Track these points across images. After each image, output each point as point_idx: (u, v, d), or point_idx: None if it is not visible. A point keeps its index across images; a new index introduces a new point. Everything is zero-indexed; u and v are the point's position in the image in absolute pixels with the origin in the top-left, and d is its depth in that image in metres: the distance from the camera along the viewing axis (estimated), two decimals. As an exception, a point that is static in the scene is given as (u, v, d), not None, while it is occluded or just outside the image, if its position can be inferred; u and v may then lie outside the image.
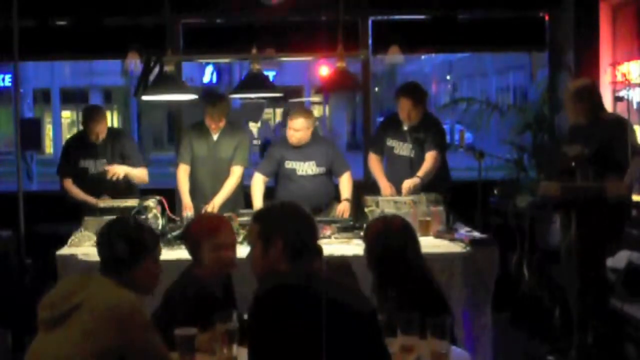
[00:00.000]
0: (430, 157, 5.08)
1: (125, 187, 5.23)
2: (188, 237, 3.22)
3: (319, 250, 2.45)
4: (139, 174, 5.29)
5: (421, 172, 4.98)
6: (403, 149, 5.20)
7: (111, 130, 5.40)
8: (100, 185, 5.15)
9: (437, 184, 5.03)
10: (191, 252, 3.17)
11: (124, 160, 5.27)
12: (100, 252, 2.53)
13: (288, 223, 2.41)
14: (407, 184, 4.88)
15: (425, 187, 4.90)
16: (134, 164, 5.28)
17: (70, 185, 5.26)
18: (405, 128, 5.15)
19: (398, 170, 5.18)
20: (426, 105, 5.27)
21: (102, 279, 2.41)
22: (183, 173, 5.20)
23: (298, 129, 5.03)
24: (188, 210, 4.91)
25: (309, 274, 2.32)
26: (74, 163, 5.28)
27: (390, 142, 5.26)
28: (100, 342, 2.26)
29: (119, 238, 2.49)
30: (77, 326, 2.28)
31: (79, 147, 5.33)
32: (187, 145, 5.23)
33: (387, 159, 5.34)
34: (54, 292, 2.38)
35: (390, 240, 3.01)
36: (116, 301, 2.32)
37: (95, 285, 2.37)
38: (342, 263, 3.08)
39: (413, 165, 5.11)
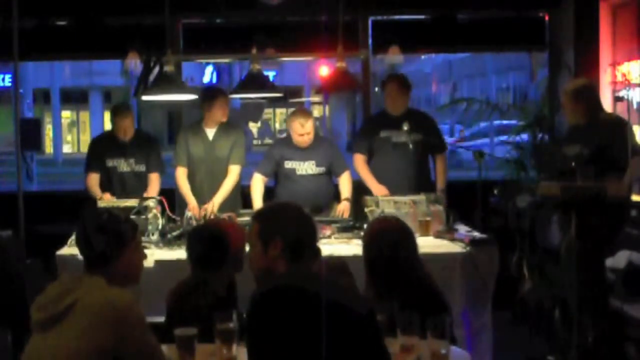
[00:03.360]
0: (440, 161, 5.30)
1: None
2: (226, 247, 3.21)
3: (318, 251, 2.46)
4: (157, 189, 5.29)
5: (441, 183, 5.19)
6: (399, 136, 5.16)
7: (140, 132, 5.52)
8: (129, 184, 5.28)
9: (425, 182, 5.09)
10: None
11: (145, 161, 5.37)
12: (81, 251, 2.50)
13: (288, 223, 2.41)
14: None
15: (414, 185, 4.94)
16: (149, 167, 5.36)
17: (93, 183, 5.29)
18: (395, 115, 5.15)
19: (395, 160, 5.17)
20: (410, 97, 5.29)
21: (92, 278, 2.40)
22: (182, 175, 5.20)
23: (310, 132, 5.02)
24: (194, 211, 4.89)
25: (307, 275, 2.33)
26: (101, 161, 5.34)
27: (385, 133, 5.20)
28: (96, 341, 2.26)
29: (96, 233, 2.46)
30: (72, 326, 2.28)
31: (107, 145, 5.41)
32: (183, 146, 5.23)
33: (380, 154, 5.28)
34: (46, 294, 2.37)
35: (385, 242, 3.01)
36: (111, 299, 2.32)
37: (87, 285, 2.36)
38: (339, 263, 3.09)
39: (410, 152, 5.09)
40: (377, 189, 5.08)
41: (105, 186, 5.26)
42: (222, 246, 3.14)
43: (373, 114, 5.64)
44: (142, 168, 5.37)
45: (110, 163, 5.34)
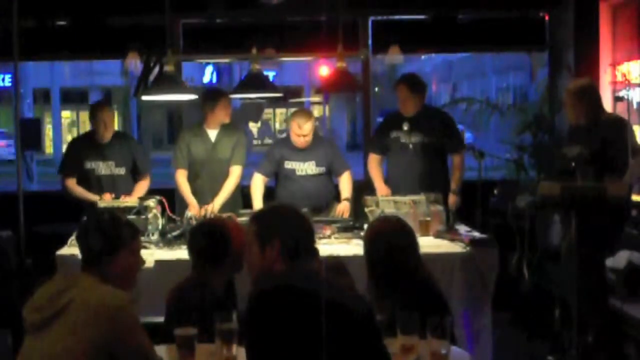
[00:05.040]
0: (454, 161, 5.20)
1: (128, 190, 5.21)
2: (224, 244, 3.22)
3: (316, 251, 2.46)
4: (144, 188, 5.26)
5: (453, 184, 5.10)
6: (407, 138, 5.17)
7: (119, 133, 5.44)
8: (106, 187, 5.16)
9: (438, 184, 5.05)
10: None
11: (132, 163, 5.29)
12: (79, 249, 2.53)
13: (285, 224, 2.42)
14: (452, 198, 4.97)
15: (426, 187, 4.91)
16: (141, 170, 5.32)
17: (72, 184, 5.24)
18: (408, 117, 5.14)
19: (404, 161, 5.17)
20: (424, 97, 5.24)
21: (86, 278, 2.42)
22: (181, 177, 5.18)
23: (307, 134, 5.02)
24: (194, 211, 4.87)
25: (305, 275, 2.33)
26: (79, 163, 5.26)
27: (395, 134, 5.21)
28: (90, 339, 2.26)
29: (93, 232, 2.48)
30: (66, 325, 2.28)
31: (86, 147, 5.31)
32: (184, 149, 5.21)
33: (391, 154, 5.29)
34: (39, 295, 2.38)
35: (386, 241, 3.02)
36: (105, 298, 2.33)
37: (81, 284, 2.37)
38: (337, 264, 3.09)
39: (417, 155, 5.11)
40: (380, 189, 5.09)
41: (84, 188, 5.20)
42: (223, 241, 3.15)
43: (389, 113, 5.61)
44: (121, 171, 5.27)
45: (88, 165, 5.24)
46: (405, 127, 5.12)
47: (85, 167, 5.25)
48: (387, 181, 5.23)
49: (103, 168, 5.25)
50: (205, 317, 2.66)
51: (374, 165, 5.33)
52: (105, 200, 4.81)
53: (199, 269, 3.17)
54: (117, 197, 4.98)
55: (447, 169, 5.33)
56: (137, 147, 5.47)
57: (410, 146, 5.13)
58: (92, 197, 5.06)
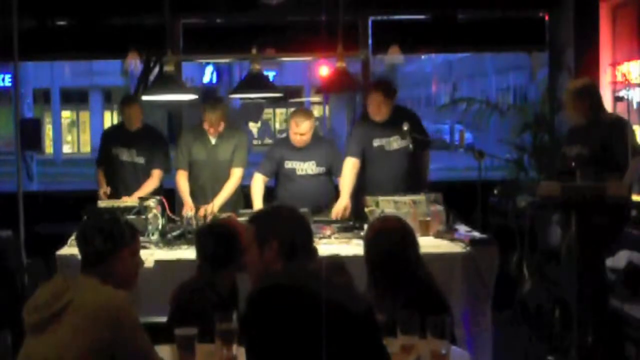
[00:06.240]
0: (425, 158, 5.25)
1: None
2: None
3: (315, 251, 2.47)
4: (154, 185, 5.32)
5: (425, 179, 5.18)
6: (391, 143, 5.16)
7: (149, 127, 5.62)
8: (128, 174, 5.37)
9: (418, 183, 5.07)
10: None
11: (147, 154, 5.42)
12: (79, 250, 2.53)
13: (283, 225, 2.43)
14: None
15: (410, 188, 4.92)
16: (153, 162, 5.37)
17: (99, 176, 5.45)
18: (382, 122, 5.09)
19: (390, 167, 5.15)
20: (395, 101, 5.18)
21: (86, 279, 2.41)
22: (181, 177, 5.19)
23: (304, 133, 5.01)
24: (189, 210, 4.89)
25: (304, 273, 2.33)
26: (108, 151, 5.48)
27: (377, 142, 5.17)
28: (90, 340, 2.26)
29: (92, 232, 2.48)
30: (66, 326, 2.28)
31: (114, 135, 5.59)
32: (185, 150, 5.21)
33: (375, 162, 5.20)
34: (39, 296, 2.37)
35: (386, 241, 3.02)
36: (105, 299, 2.32)
37: (80, 285, 2.37)
38: (336, 263, 3.08)
39: (406, 157, 5.12)
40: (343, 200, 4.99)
41: (109, 176, 5.38)
42: (234, 244, 3.14)
43: (361, 119, 5.52)
44: (141, 160, 5.40)
45: (114, 151, 5.44)
46: (405, 127, 5.11)
47: (112, 153, 5.45)
48: (369, 186, 5.16)
49: (126, 155, 5.41)
50: (209, 318, 2.66)
51: (350, 170, 5.10)
52: (106, 201, 4.82)
53: (206, 270, 3.16)
54: (135, 186, 5.19)
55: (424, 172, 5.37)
56: (159, 144, 5.52)
57: (411, 146, 5.12)
58: (103, 188, 5.25)
